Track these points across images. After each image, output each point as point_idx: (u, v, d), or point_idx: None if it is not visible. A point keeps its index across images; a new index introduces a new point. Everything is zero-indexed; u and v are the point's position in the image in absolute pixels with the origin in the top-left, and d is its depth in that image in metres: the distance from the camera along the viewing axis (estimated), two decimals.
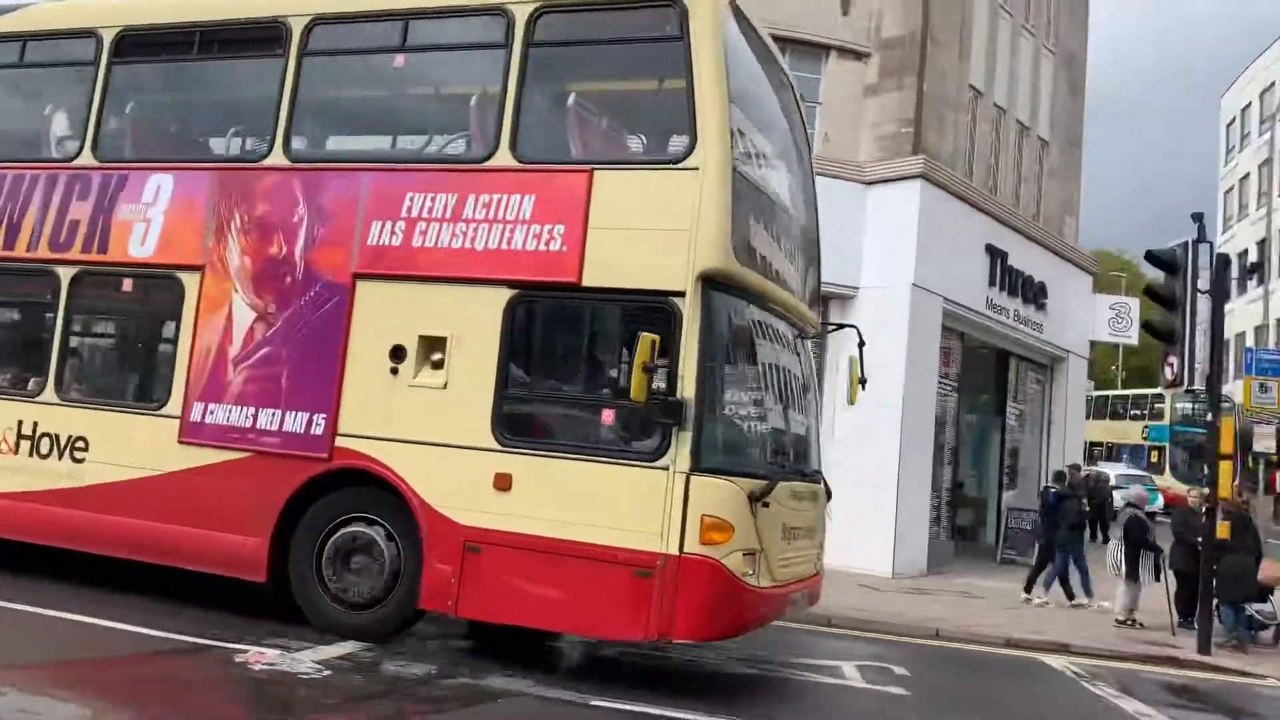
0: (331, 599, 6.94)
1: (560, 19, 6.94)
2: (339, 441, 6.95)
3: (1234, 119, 45.68)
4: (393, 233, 7.01)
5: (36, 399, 7.99)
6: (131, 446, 7.55)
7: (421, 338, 6.86)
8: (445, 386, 6.75)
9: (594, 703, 6.11)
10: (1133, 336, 29.63)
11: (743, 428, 6.62)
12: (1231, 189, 45.06)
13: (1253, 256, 39.14)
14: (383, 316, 6.99)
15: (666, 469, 6.16)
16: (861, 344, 8.22)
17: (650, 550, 6.12)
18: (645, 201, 6.47)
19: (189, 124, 8.98)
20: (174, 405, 7.46)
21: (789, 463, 7.16)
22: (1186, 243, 10.75)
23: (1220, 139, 47.85)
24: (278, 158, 7.46)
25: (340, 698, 5.70)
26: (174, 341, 7.67)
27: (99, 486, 7.59)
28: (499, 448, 6.57)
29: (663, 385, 6.16)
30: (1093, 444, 35.71)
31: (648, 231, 6.41)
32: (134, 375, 8.33)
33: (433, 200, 6.94)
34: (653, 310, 6.38)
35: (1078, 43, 25.55)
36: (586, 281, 6.51)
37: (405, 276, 6.97)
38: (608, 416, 6.53)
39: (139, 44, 8.22)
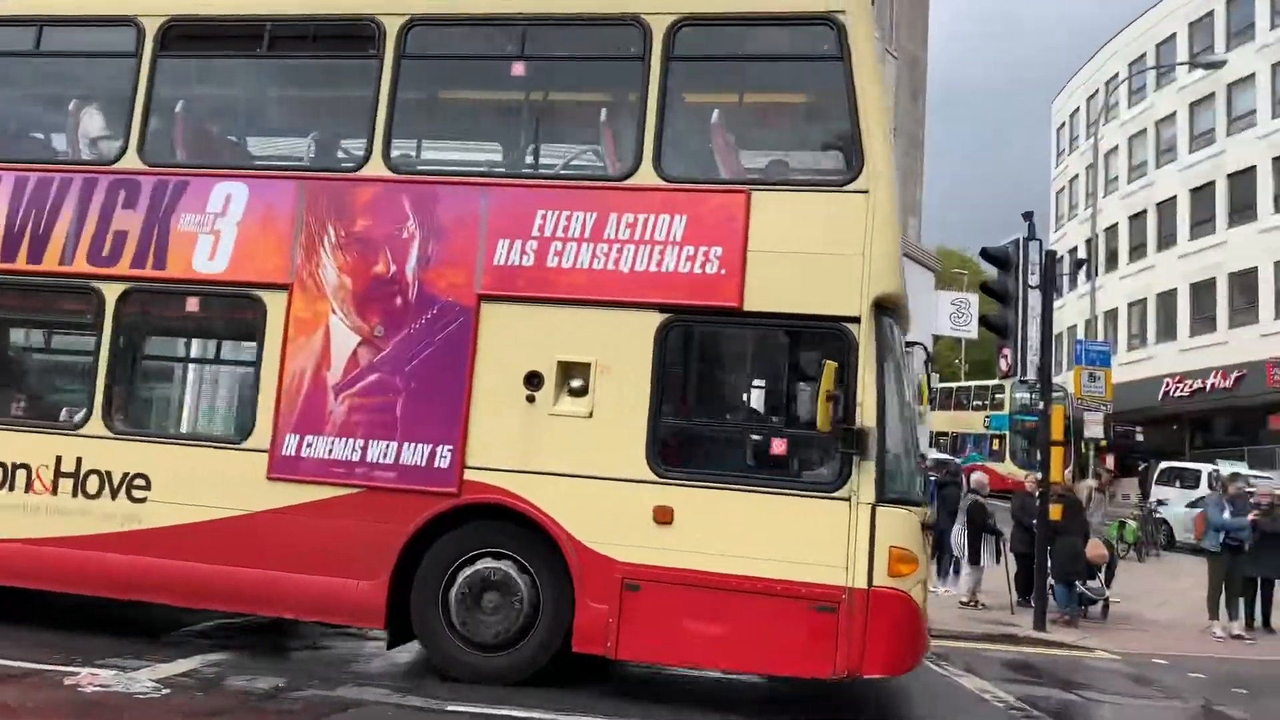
0: (460, 641, 6.41)
1: (702, 31, 6.67)
2: (468, 474, 6.43)
3: (1064, 123, 48.81)
4: (523, 252, 6.53)
5: (79, 432, 7.02)
6: (205, 484, 6.72)
7: (560, 363, 6.43)
8: (591, 415, 6.35)
9: (450, 708, 5.86)
10: (972, 330, 31.32)
11: (903, 454, 6.51)
12: (1062, 189, 48.12)
13: (1082, 253, 42.00)
14: (513, 341, 6.51)
15: (848, 499, 6.01)
16: (929, 360, 8.27)
17: (834, 584, 5.95)
18: (810, 224, 6.29)
19: (261, 128, 8.10)
20: (260, 438, 6.70)
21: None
22: (1017, 240, 11.09)
23: (1051, 141, 51.16)
24: (377, 168, 6.85)
25: (179, 716, 5.35)
26: (254, 367, 6.90)
27: (164, 530, 6.73)
28: (656, 479, 6.24)
29: (840, 413, 6.02)
30: (938, 434, 37.44)
31: (816, 255, 6.23)
32: (203, 405, 7.45)
33: (568, 218, 6.51)
34: (824, 336, 6.22)
35: (918, 47, 26.81)
36: (748, 306, 6.27)
37: (539, 299, 6.52)
38: (778, 445, 6.30)
39: (190, 36, 7.32)
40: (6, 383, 7.63)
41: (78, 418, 7.09)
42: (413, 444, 6.52)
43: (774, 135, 7.52)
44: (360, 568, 6.44)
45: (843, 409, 6.04)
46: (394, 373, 6.62)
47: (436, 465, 6.47)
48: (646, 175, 6.50)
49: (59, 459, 6.94)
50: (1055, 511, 11.30)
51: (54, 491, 6.91)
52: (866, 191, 6.22)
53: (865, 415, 6.03)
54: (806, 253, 6.24)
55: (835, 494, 6.02)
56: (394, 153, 6.94)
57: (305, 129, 7.63)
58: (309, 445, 6.63)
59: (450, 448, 6.47)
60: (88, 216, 7.10)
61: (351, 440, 6.59)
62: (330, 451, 6.59)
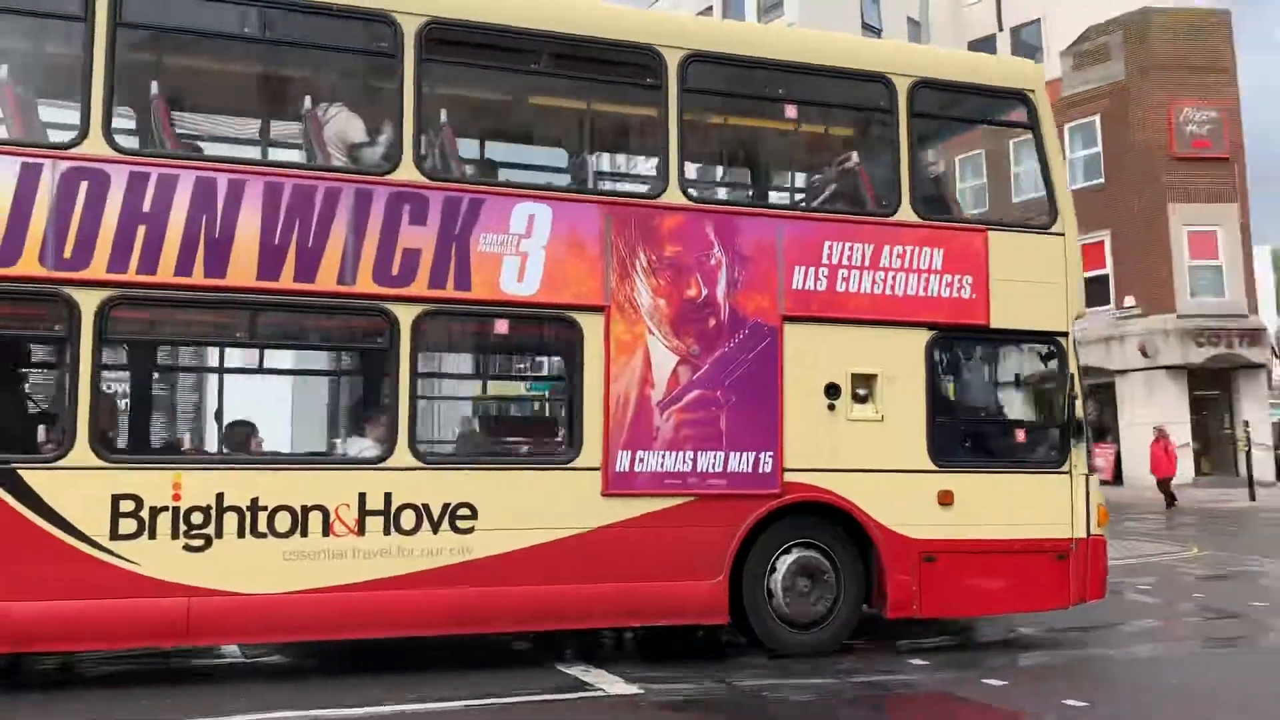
0: (783, 622, 7.34)
1: (932, 93, 7.99)
2: (786, 476, 7.38)
3: None
4: (816, 278, 7.49)
5: (383, 465, 6.64)
6: (538, 507, 6.86)
7: (852, 375, 7.56)
8: (882, 418, 7.59)
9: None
10: None
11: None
12: None
13: None
14: (812, 357, 7.48)
15: (1069, 473, 8.04)
16: None
17: (1066, 537, 8.00)
18: (1029, 259, 8.09)
19: (553, 147, 7.70)
20: (590, 456, 6.96)
21: None
22: None
23: None
24: (675, 196, 7.23)
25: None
26: (570, 388, 7.10)
27: (494, 559, 6.72)
28: (937, 469, 7.76)
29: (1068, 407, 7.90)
30: None
31: (1035, 284, 8.05)
32: (522, 426, 7.20)
33: (851, 249, 7.56)
34: (1045, 346, 8.12)
35: None
36: (994, 324, 7.95)
37: (832, 319, 7.57)
38: (1020, 435, 8.24)
39: (459, 41, 6.98)
40: (275, 418, 6.84)
41: (373, 449, 6.74)
42: (738, 453, 7.28)
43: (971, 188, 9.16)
44: (702, 569, 7.10)
45: (1051, 405, 7.96)
46: (714, 388, 7.26)
47: (761, 470, 7.32)
48: (906, 213, 7.77)
49: (362, 496, 6.54)
50: None
51: (360, 532, 6.55)
52: (1062, 235, 8.15)
53: (1076, 408, 8.03)
54: (1030, 281, 8.04)
55: (1059, 470, 8.03)
56: (686, 181, 7.44)
57: (601, 152, 7.70)
58: (641, 461, 7.05)
59: (771, 454, 7.34)
60: (366, 232, 6.64)
61: (681, 453, 7.15)
62: (662, 464, 7.10)
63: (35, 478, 6.00)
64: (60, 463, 6.07)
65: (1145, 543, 15.38)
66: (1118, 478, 28.25)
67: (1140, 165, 28.56)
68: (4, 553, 5.91)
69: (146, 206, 6.24)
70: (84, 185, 6.12)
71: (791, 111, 8.14)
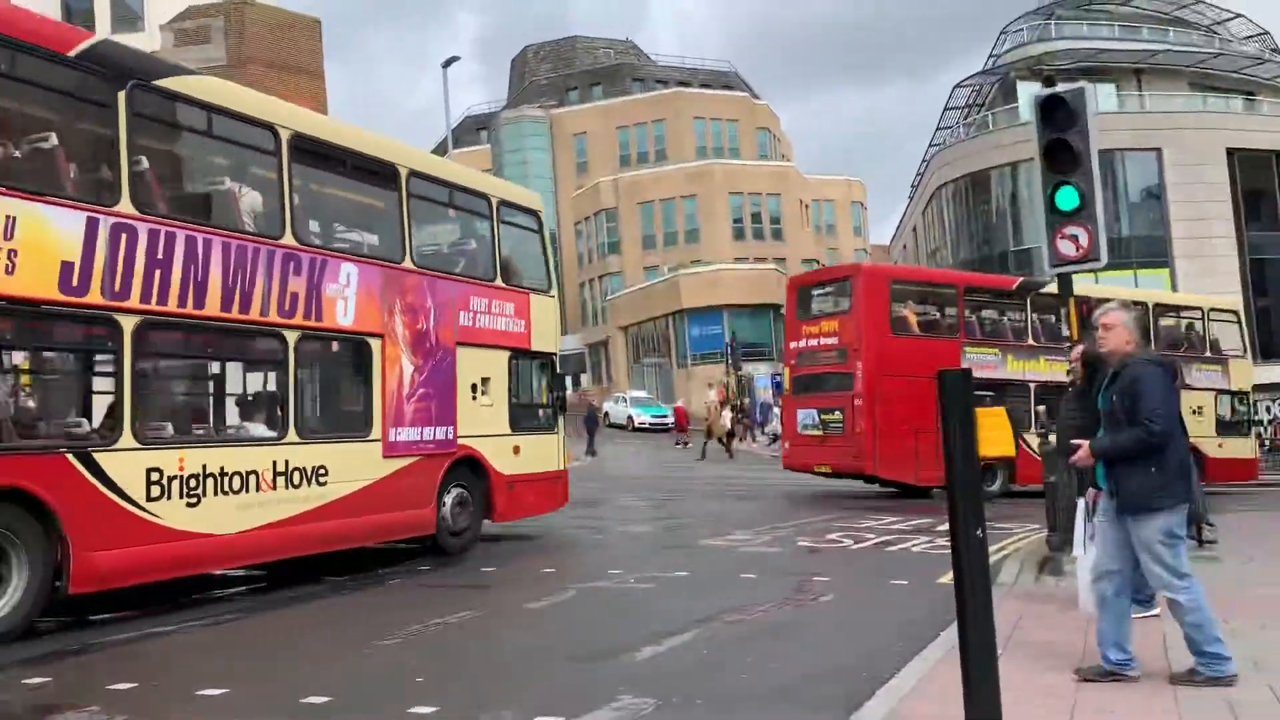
0: (449, 535, 11.60)
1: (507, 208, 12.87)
2: (460, 440, 11.80)
3: None
4: (469, 319, 11.85)
5: (280, 441, 9.45)
6: (355, 466, 10.26)
7: (482, 378, 12.00)
8: (491, 404, 12.11)
9: None
10: None
11: None
12: None
13: None
14: (467, 366, 11.71)
15: (557, 434, 13.44)
16: None
17: (560, 469, 13.50)
18: (544, 310, 13.17)
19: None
20: (376, 432, 10.44)
21: None
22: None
23: None
24: (409, 264, 11.13)
25: None
26: (367, 388, 10.49)
27: (336, 501, 9.97)
28: (512, 433, 12.39)
29: None
30: None
31: (544, 325, 13.08)
32: (347, 413, 10.73)
33: (482, 303, 12.14)
34: (548, 360, 13.33)
35: None
36: (533, 348, 12.91)
37: (475, 344, 11.88)
38: (541, 413, 13.38)
39: (311, 150, 10.21)
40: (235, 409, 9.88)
41: (275, 432, 9.50)
42: (439, 427, 11.34)
43: None
44: (424, 502, 11.09)
45: (556, 392, 13.60)
46: (428, 387, 11.20)
47: (448, 437, 11.45)
48: (499, 280, 12.22)
49: (274, 463, 9.39)
50: None
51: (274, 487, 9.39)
52: (554, 297, 13.21)
53: (559, 396, 13.61)
54: (543, 323, 13.16)
55: (554, 431, 13.46)
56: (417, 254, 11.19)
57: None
58: (398, 434, 10.81)
59: (452, 427, 11.51)
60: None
61: (415, 428, 10.95)
62: (407, 436, 10.94)
63: (102, 458, 7.81)
64: (113, 445, 7.92)
65: None
66: None
67: None
68: (87, 514, 7.60)
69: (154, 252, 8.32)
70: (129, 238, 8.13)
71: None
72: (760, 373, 46.37)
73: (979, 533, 3.96)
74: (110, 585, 7.93)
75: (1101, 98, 39.09)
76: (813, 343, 19.66)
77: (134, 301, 8.09)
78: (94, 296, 7.78)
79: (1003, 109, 43.26)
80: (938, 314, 19.78)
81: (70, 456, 7.64)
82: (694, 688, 5.81)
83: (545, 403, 13.29)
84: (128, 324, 8.04)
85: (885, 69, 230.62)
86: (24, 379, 8.53)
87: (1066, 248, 9.14)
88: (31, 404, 8.40)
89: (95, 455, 7.78)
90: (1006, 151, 39.43)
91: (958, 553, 4.00)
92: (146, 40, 36.62)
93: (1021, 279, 22.47)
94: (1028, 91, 34.22)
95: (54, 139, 7.95)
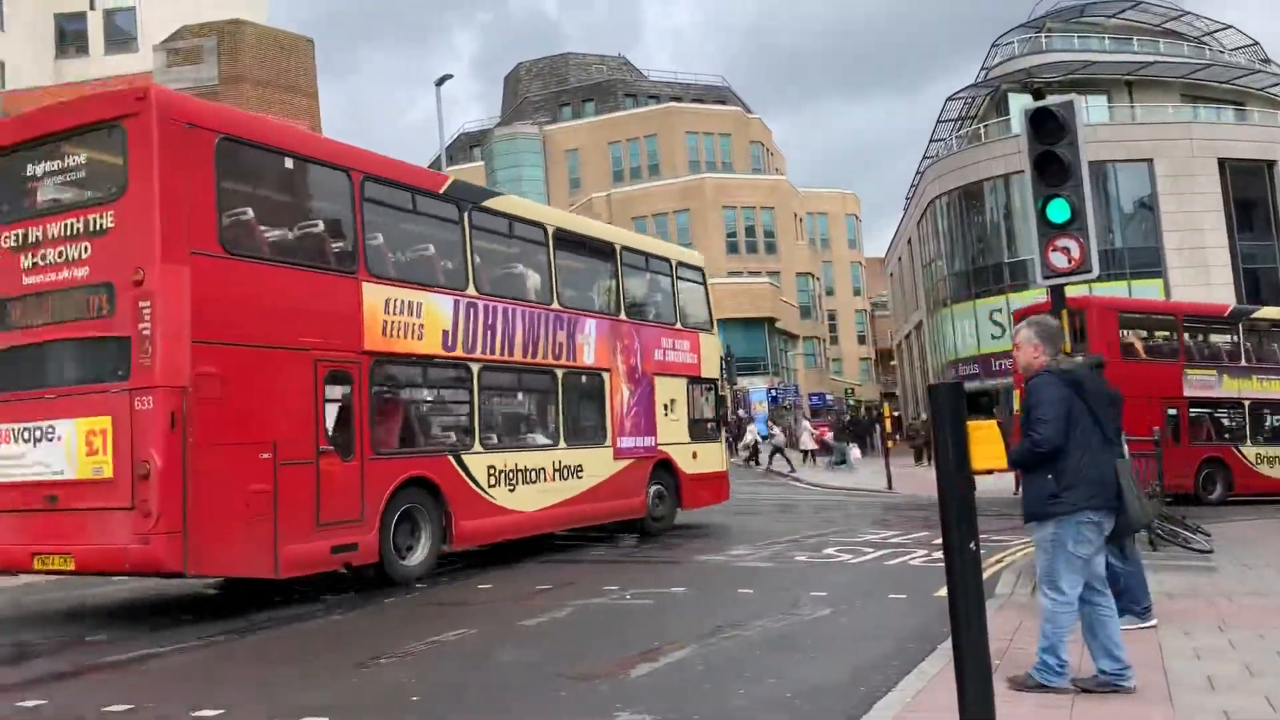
0: (651, 519, 15.30)
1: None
2: (659, 447, 15.43)
3: None
4: (660, 354, 15.63)
5: (556, 447, 13.36)
6: (596, 465, 14.00)
7: (671, 399, 15.57)
8: (669, 418, 15.50)
9: None
10: None
11: None
12: None
13: None
14: (662, 391, 15.41)
15: (720, 442, 17.11)
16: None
17: (724, 470, 17.19)
18: (709, 345, 16.73)
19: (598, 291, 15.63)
20: (610, 441, 14.22)
21: None
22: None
23: None
24: (621, 315, 15.07)
25: None
26: (601, 405, 14.24)
27: (587, 490, 13.70)
28: (691, 441, 15.94)
29: None
30: None
31: (709, 357, 16.63)
32: (592, 428, 14.21)
33: (668, 341, 15.78)
34: (712, 384, 16.88)
35: None
36: (703, 375, 16.48)
37: (664, 373, 15.57)
38: (709, 426, 16.84)
39: (568, 241, 14.30)
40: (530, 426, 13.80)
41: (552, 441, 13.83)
42: (646, 437, 15.00)
43: None
44: (637, 493, 14.77)
45: (717, 410, 17.31)
46: (639, 406, 14.92)
47: (652, 444, 15.11)
48: (678, 323, 16.14)
49: (552, 460, 13.28)
50: None
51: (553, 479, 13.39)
52: (713, 334, 17.30)
53: (721, 413, 17.66)
54: (708, 356, 16.81)
55: (717, 440, 17.18)
56: (629, 308, 15.41)
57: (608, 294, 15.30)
58: (623, 441, 14.59)
59: (654, 437, 15.12)
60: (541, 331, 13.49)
61: (633, 438, 14.73)
62: (628, 443, 14.70)
63: (466, 459, 11.66)
64: (471, 450, 11.76)
65: None
66: None
67: None
68: (458, 495, 11.38)
69: (489, 320, 12.13)
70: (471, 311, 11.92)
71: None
72: (756, 386, 46.35)
73: (972, 546, 3.97)
74: (471, 544, 11.96)
75: (1093, 109, 39.33)
76: None
77: (479, 353, 11.91)
78: (459, 351, 11.65)
79: (995, 121, 43.49)
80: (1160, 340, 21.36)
81: (449, 457, 11.46)
82: (691, 704, 5.81)
83: (712, 417, 16.72)
84: (476, 368, 11.91)
85: (878, 83, 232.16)
86: (425, 407, 11.93)
87: (1059, 260, 9.18)
88: (430, 423, 11.91)
89: (462, 456, 11.62)
90: (999, 163, 39.62)
91: (951, 567, 4.02)
92: (140, 61, 36.79)
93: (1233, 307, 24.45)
94: (1019, 103, 34.38)
95: (432, 249, 11.74)
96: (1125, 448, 6.79)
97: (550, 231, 13.32)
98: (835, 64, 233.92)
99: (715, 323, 17.20)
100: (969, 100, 46.72)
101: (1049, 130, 9.14)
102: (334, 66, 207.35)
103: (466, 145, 75.19)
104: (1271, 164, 40.33)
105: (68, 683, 6.83)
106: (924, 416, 44.20)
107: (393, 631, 8.46)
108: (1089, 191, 9.20)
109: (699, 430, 16.08)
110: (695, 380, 16.17)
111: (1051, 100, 9.37)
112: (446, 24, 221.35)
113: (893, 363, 67.57)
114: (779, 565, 11.81)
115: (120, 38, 39.96)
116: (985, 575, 7.73)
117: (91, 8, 38.88)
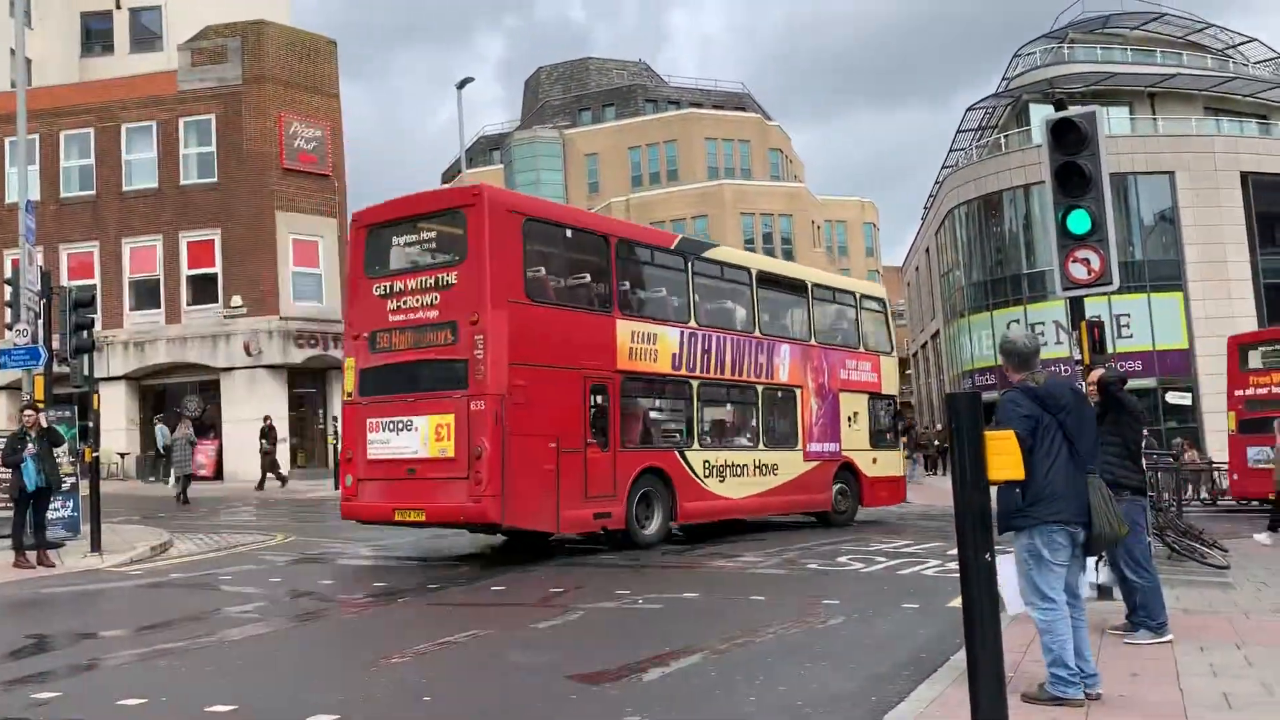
0: (835, 513, 17.97)
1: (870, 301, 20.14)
2: (843, 452, 18.00)
3: None
4: (845, 373, 18.12)
5: (757, 448, 16.44)
6: (789, 466, 16.81)
7: (854, 411, 17.98)
8: (855, 428, 18.04)
9: None
10: None
11: None
12: None
13: None
14: (846, 405, 18.03)
15: (899, 449, 20.10)
16: None
17: (902, 475, 19.96)
18: (889, 365, 19.35)
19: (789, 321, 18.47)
20: (800, 445, 16.90)
21: None
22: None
23: None
24: (812, 341, 17.85)
25: None
26: (794, 417, 17.02)
27: (782, 485, 16.61)
28: (871, 449, 18.38)
29: None
30: None
31: (889, 375, 19.35)
32: (784, 433, 17.04)
33: (853, 363, 18.44)
34: (891, 400, 19.34)
35: None
36: (884, 391, 19.02)
37: (848, 390, 18.06)
38: (889, 434, 19.56)
39: (769, 280, 17.65)
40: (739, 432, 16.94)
41: (753, 442, 16.82)
42: (831, 443, 17.62)
43: None
44: (823, 490, 17.46)
45: (898, 422, 20.06)
46: (826, 419, 17.59)
47: (838, 450, 17.70)
48: (862, 347, 18.84)
49: (753, 459, 16.34)
50: None
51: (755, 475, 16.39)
52: (893, 356, 20.22)
53: (899, 425, 20.26)
54: (889, 375, 19.52)
55: (896, 448, 19.93)
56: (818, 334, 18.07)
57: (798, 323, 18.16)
58: (812, 447, 17.18)
59: (838, 443, 17.70)
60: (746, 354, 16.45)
61: (819, 443, 17.38)
62: (817, 448, 17.33)
63: (687, 454, 14.76)
64: (691, 448, 14.90)
65: (237, 534, 16.12)
66: (219, 473, 29.12)
67: (252, 170, 30.51)
68: (682, 482, 14.41)
69: (706, 347, 15.23)
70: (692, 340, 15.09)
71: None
72: None
73: (988, 557, 3.95)
74: (690, 521, 14.95)
75: (1114, 121, 39.13)
76: None
77: (697, 372, 15.02)
78: (683, 370, 14.81)
79: (1015, 131, 43.30)
80: None
81: (675, 452, 14.61)
82: (702, 710, 5.80)
83: (890, 428, 19.01)
84: (695, 384, 15.06)
85: (901, 93, 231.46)
86: (658, 413, 15.11)
87: (1078, 271, 9.14)
88: (661, 425, 15.13)
89: (685, 452, 14.73)
90: (1019, 174, 39.44)
91: (966, 577, 3.99)
92: (165, 60, 37.07)
93: None
94: (1040, 114, 34.21)
95: (665, 290, 15.28)
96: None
97: (754, 273, 16.55)
98: (863, 73, 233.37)
99: (894, 346, 20.23)
100: (989, 110, 46.55)
101: (1070, 141, 9.11)
102: (363, 69, 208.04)
103: (486, 148, 75.38)
104: None
105: (79, 676, 6.89)
106: (937, 425, 43.96)
107: (402, 632, 8.47)
108: (1110, 203, 9.16)
109: (879, 439, 18.54)
110: (876, 396, 18.71)
111: (1073, 111, 9.33)
112: (474, 28, 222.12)
113: (909, 372, 67.35)
114: (791, 572, 11.77)
115: (145, 36, 40.30)
116: None
117: (118, 7, 39.17)
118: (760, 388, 16.11)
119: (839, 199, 69.50)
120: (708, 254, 16.11)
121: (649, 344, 14.13)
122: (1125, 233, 37.77)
